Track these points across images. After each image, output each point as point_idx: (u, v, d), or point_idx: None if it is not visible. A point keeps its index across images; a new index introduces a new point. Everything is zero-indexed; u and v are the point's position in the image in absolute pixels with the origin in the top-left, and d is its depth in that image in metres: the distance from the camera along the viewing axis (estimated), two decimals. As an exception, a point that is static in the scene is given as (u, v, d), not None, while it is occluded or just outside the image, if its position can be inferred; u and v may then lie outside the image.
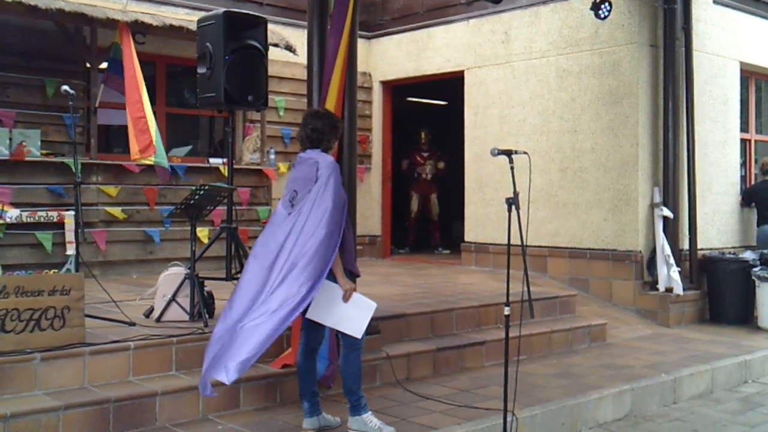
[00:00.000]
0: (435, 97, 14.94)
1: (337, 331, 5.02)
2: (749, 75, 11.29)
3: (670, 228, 9.34)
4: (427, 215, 13.52)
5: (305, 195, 4.84)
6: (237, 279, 6.00)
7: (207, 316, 5.95)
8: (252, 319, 4.63)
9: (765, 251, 9.57)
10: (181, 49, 9.73)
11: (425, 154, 13.50)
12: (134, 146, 8.24)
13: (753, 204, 10.55)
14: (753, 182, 11.23)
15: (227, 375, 4.45)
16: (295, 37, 10.15)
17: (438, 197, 13.54)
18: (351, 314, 4.86)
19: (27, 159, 8.31)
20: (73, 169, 6.28)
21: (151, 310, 6.19)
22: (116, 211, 8.93)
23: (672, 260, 9.13)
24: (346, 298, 4.85)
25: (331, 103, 5.87)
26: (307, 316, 4.91)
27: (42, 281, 5.06)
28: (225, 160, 6.67)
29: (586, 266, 9.80)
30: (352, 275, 5.05)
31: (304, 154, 5.04)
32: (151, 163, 8.29)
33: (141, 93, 8.35)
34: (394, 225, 12.90)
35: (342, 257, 4.87)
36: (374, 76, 12.47)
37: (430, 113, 15.18)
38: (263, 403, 5.49)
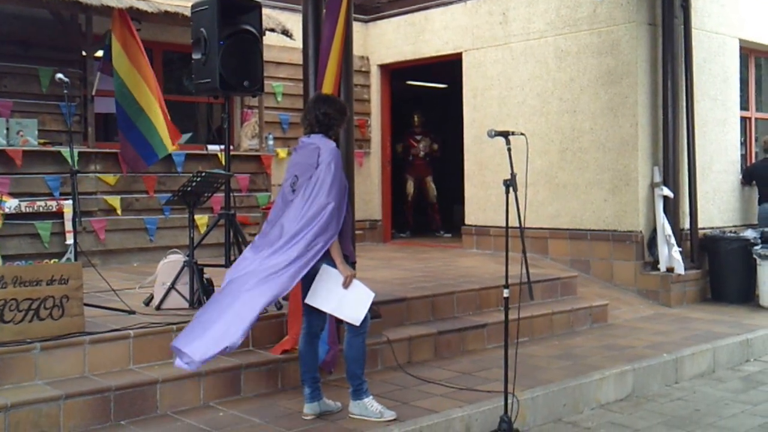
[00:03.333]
0: (434, 80, 14.88)
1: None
2: (749, 52, 11.22)
3: (671, 207, 9.32)
4: (424, 198, 13.48)
5: (306, 181, 4.83)
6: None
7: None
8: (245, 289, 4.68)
9: (766, 229, 9.54)
10: (177, 36, 9.68)
11: (418, 137, 13.45)
12: (170, 136, 8.55)
13: (754, 182, 10.52)
14: (753, 160, 11.20)
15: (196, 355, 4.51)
16: (292, 21, 10.08)
17: (434, 180, 13.50)
18: (350, 301, 4.84)
19: (25, 149, 8.28)
20: (69, 159, 6.26)
21: (151, 298, 6.18)
22: (115, 203, 8.90)
23: (673, 240, 9.11)
24: (345, 284, 4.84)
25: (328, 88, 5.84)
26: (306, 301, 4.91)
27: (40, 271, 5.05)
28: (223, 146, 6.65)
29: (586, 247, 9.78)
30: (351, 263, 5.03)
31: (306, 139, 5.02)
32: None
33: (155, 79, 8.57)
34: (394, 209, 12.87)
35: (341, 243, 4.85)
36: (372, 60, 12.42)
37: (429, 96, 15.14)
38: (264, 389, 5.49)
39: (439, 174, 13.62)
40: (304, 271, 4.73)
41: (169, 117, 8.51)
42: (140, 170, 8.93)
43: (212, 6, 6.31)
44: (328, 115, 4.99)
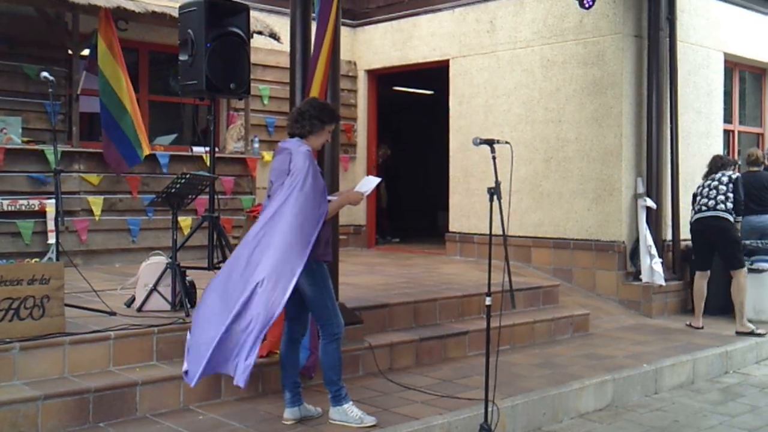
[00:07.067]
0: (420, 87, 14.89)
1: (317, 323, 5.00)
2: (733, 66, 11.32)
3: (653, 218, 9.37)
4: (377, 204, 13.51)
5: (279, 187, 4.82)
6: (219, 269, 5.99)
7: (188, 305, 5.91)
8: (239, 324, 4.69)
9: (748, 242, 9.60)
10: (164, 36, 9.65)
11: None
12: (145, 141, 8.67)
13: (736, 195, 10.56)
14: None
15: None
16: (280, 24, 10.07)
17: (387, 186, 13.46)
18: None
19: (8, 147, 8.22)
20: (52, 158, 6.22)
21: (133, 299, 6.15)
22: (96, 205, 8.85)
23: (654, 251, 9.16)
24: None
25: (315, 92, 5.83)
26: None
27: (21, 270, 5.01)
28: (208, 149, 6.63)
29: (569, 256, 9.82)
30: (327, 264, 5.02)
31: (282, 144, 5.02)
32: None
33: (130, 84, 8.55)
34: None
35: (317, 246, 4.81)
36: (359, 65, 12.42)
37: (415, 103, 15.16)
38: (245, 393, 5.46)
39: (386, 179, 13.59)
40: (294, 280, 4.70)
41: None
42: (122, 172, 8.89)
43: (200, 8, 6.31)
44: (301, 111, 4.96)
